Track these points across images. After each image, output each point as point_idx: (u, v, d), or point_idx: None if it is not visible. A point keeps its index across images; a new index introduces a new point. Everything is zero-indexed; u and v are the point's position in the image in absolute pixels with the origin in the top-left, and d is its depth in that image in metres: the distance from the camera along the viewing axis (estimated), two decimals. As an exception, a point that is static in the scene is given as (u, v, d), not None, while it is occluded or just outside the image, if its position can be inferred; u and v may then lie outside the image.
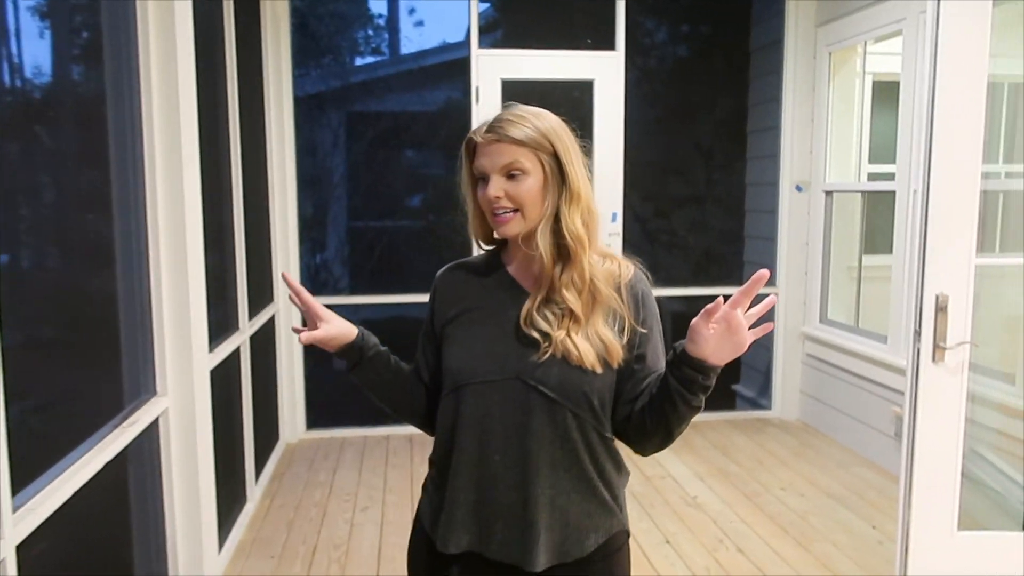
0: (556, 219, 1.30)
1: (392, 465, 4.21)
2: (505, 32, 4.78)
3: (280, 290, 4.38)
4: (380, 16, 4.83)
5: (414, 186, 4.90)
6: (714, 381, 1.23)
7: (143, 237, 2.33)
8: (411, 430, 4.65)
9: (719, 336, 1.19)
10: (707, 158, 5.05)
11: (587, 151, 1.36)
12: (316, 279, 4.75)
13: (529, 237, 1.33)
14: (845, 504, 3.62)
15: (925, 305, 2.39)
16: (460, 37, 4.63)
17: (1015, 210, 3.15)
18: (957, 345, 2.41)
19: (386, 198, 4.80)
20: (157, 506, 2.43)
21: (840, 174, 4.67)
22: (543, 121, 1.31)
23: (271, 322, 4.20)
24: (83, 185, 2.18)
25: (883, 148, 4.52)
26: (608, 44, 4.63)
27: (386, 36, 4.87)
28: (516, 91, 4.39)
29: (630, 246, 4.73)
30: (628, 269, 1.38)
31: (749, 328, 1.19)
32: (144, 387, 2.37)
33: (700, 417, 1.54)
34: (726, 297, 1.18)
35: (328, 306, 1.42)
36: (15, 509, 1.57)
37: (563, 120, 1.35)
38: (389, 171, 4.77)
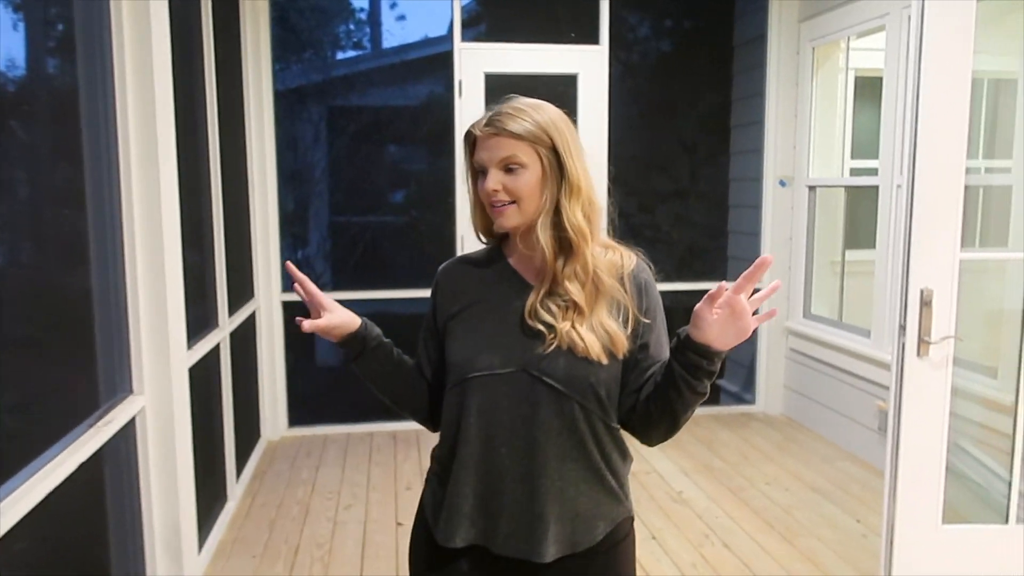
0: (556, 212, 1.30)
1: (375, 462, 4.18)
2: (488, 25, 4.75)
3: (261, 286, 4.34)
4: (362, 10, 4.78)
5: (397, 181, 4.86)
6: (718, 366, 1.24)
7: (119, 233, 2.28)
8: (394, 427, 4.64)
9: (723, 321, 1.19)
10: (691, 153, 5.05)
11: None
12: (298, 275, 4.70)
13: (528, 233, 1.33)
14: (830, 498, 3.63)
15: (910, 300, 2.40)
16: (443, 31, 4.59)
17: (995, 205, 3.17)
18: (942, 339, 2.41)
19: (368, 193, 4.76)
20: (135, 506, 2.39)
21: (823, 169, 4.68)
22: (542, 114, 1.30)
23: (252, 318, 4.16)
24: (57, 180, 2.13)
25: (866, 143, 4.54)
26: (592, 38, 4.61)
27: (367, 30, 4.82)
28: (499, 85, 4.37)
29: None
30: (631, 259, 1.38)
31: (753, 314, 1.20)
32: (120, 385, 2.33)
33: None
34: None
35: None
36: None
37: (564, 112, 1.34)
38: (371, 166, 4.73)
